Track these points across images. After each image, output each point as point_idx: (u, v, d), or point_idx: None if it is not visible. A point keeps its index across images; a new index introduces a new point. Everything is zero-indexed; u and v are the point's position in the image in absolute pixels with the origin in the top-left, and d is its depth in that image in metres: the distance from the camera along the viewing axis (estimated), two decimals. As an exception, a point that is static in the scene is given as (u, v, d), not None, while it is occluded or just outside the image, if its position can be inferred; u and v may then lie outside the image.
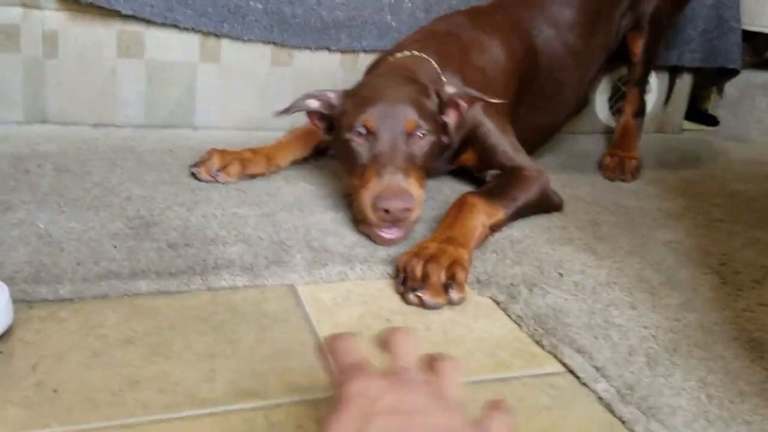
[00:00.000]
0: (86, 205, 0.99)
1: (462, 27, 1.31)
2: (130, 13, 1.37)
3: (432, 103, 1.07)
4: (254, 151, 1.22)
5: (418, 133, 1.02)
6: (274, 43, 1.51)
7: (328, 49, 1.55)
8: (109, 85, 1.43)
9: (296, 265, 0.89)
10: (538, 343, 0.79)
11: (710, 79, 2.10)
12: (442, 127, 1.10)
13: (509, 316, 0.84)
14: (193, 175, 1.16)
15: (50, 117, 1.41)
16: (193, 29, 1.44)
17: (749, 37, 2.07)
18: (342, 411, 0.44)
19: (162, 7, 1.40)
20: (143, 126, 1.47)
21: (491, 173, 1.19)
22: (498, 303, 0.87)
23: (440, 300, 0.84)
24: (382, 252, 0.96)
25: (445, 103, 1.09)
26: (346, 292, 0.87)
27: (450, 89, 1.09)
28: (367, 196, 0.96)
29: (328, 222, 1.04)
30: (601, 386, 0.70)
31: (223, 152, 1.19)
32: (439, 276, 0.86)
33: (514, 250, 1.01)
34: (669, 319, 0.83)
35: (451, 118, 1.11)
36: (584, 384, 0.71)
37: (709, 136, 2.06)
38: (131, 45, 1.42)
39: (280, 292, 0.84)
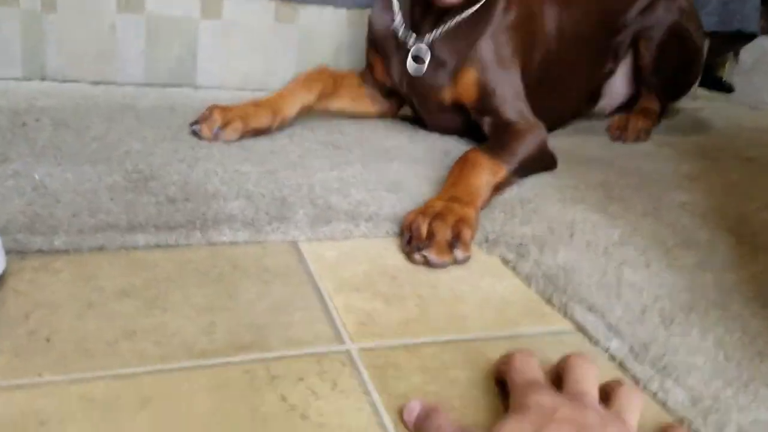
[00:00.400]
0: (84, 158, 0.97)
1: None
2: (129, -35, 1.33)
3: None
4: (257, 104, 1.16)
5: None
6: (279, -1, 1.47)
7: (334, 5, 1.50)
8: (108, 40, 1.39)
9: (299, 221, 0.86)
10: (548, 301, 0.76)
11: (727, 43, 2.04)
12: None
13: (518, 275, 0.82)
14: (195, 133, 1.13)
15: (49, 74, 1.37)
16: (195, -17, 1.40)
17: (766, 0, 2.01)
18: (521, 416, 0.48)
19: (163, -40, 1.36)
20: (144, 84, 1.44)
21: (488, 121, 1.17)
22: (507, 262, 0.85)
23: (445, 258, 0.82)
24: (388, 210, 0.93)
25: None
26: (351, 249, 0.84)
27: None
28: None
29: (332, 180, 1.01)
30: (614, 344, 0.67)
31: (224, 109, 1.15)
32: (444, 234, 0.83)
33: (524, 209, 0.98)
34: (685, 278, 0.80)
35: None
36: (596, 343, 0.68)
37: (723, 102, 2.01)
38: (131, -1, 1.38)
39: (282, 248, 0.82)
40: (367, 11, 1.53)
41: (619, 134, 1.42)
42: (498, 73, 1.17)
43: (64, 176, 0.89)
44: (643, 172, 1.20)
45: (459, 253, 0.82)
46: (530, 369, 0.56)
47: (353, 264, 0.80)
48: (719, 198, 1.09)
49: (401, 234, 0.88)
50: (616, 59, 1.52)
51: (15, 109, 1.15)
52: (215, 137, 1.11)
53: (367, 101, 1.34)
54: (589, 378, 0.54)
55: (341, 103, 1.30)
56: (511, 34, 1.19)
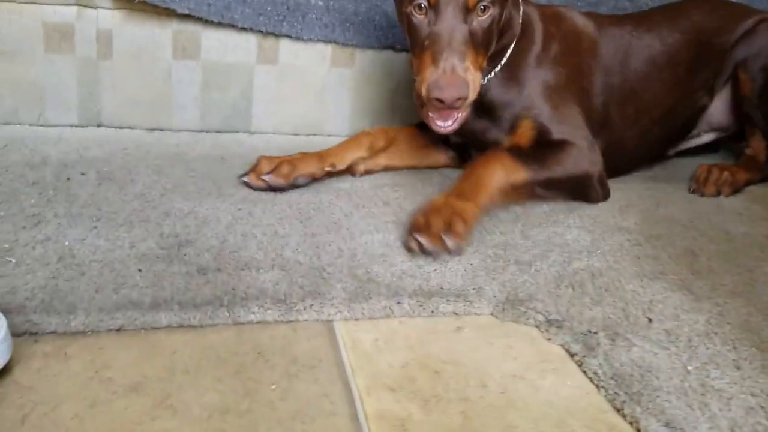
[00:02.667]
0: (121, 219, 0.93)
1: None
2: (186, 12, 1.30)
3: None
4: (305, 154, 1.14)
5: (480, 6, 0.99)
6: (335, 42, 1.42)
7: (393, 48, 1.44)
8: (164, 87, 1.37)
9: (335, 297, 0.78)
10: (618, 410, 0.64)
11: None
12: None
13: (584, 372, 0.70)
14: (246, 184, 1.09)
15: (105, 120, 1.36)
16: (251, 29, 1.36)
17: None
18: None
19: (219, 6, 1.33)
20: (199, 130, 1.41)
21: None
22: (572, 355, 0.73)
23: (437, 245, 0.89)
24: (435, 282, 0.84)
25: None
26: (390, 332, 0.75)
27: None
28: (423, 84, 0.96)
29: (376, 245, 0.93)
30: (698, 480, 0.55)
31: (271, 158, 1.12)
32: (438, 225, 0.90)
33: (595, 285, 0.86)
34: (786, 388, 0.67)
35: None
36: (676, 474, 0.57)
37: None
38: (187, 46, 1.35)
39: (314, 329, 0.74)
40: (428, 54, 1.46)
41: (697, 187, 1.27)
42: (551, 114, 1.12)
43: (96, 242, 0.85)
44: (733, 236, 1.05)
45: (449, 241, 0.89)
46: None
47: (391, 352, 0.72)
48: (827, 273, 0.94)
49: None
50: (712, 92, 1.36)
51: (64, 161, 1.13)
52: (266, 183, 1.08)
53: (429, 152, 1.27)
54: None
55: (399, 158, 1.25)
56: (557, 69, 1.15)
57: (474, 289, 0.84)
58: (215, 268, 0.82)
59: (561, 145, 1.09)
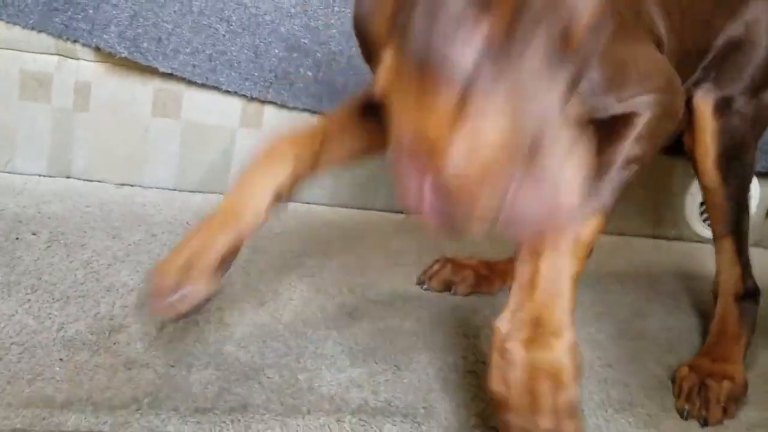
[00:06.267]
0: (59, 293, 0.87)
1: None
2: (169, 71, 1.28)
3: None
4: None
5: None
6: (322, 112, 1.38)
7: (379, 121, 1.40)
8: (140, 143, 1.33)
9: (268, 409, 0.72)
10: None
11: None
12: None
13: None
14: None
15: (75, 172, 1.32)
16: (235, 93, 1.33)
17: None
18: None
19: (205, 68, 1.30)
20: (172, 189, 1.37)
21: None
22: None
23: None
24: (384, 396, 0.77)
25: None
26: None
27: None
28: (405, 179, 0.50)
29: (329, 343, 0.86)
30: None
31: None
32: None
33: (554, 411, 0.79)
34: None
35: None
36: None
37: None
38: (168, 103, 1.32)
39: (239, 447, 0.67)
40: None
41: (696, 409, 0.83)
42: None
43: (24, 320, 0.79)
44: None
45: None
46: None
47: (320, 481, 0.65)
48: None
49: None
50: None
51: (19, 216, 1.08)
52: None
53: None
54: None
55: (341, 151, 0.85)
56: None
57: (425, 407, 0.77)
58: (143, 362, 0.75)
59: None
